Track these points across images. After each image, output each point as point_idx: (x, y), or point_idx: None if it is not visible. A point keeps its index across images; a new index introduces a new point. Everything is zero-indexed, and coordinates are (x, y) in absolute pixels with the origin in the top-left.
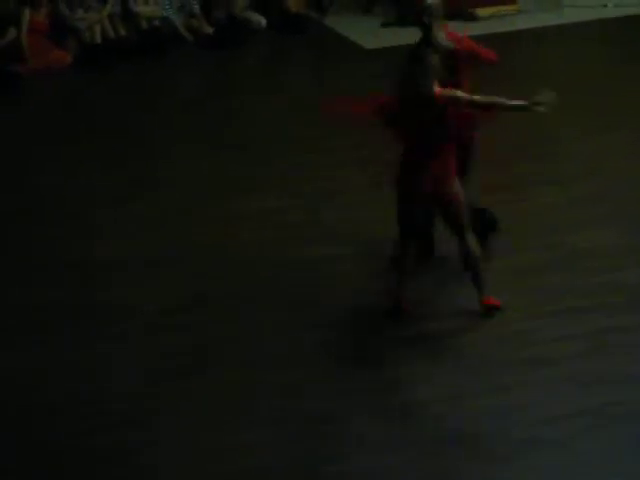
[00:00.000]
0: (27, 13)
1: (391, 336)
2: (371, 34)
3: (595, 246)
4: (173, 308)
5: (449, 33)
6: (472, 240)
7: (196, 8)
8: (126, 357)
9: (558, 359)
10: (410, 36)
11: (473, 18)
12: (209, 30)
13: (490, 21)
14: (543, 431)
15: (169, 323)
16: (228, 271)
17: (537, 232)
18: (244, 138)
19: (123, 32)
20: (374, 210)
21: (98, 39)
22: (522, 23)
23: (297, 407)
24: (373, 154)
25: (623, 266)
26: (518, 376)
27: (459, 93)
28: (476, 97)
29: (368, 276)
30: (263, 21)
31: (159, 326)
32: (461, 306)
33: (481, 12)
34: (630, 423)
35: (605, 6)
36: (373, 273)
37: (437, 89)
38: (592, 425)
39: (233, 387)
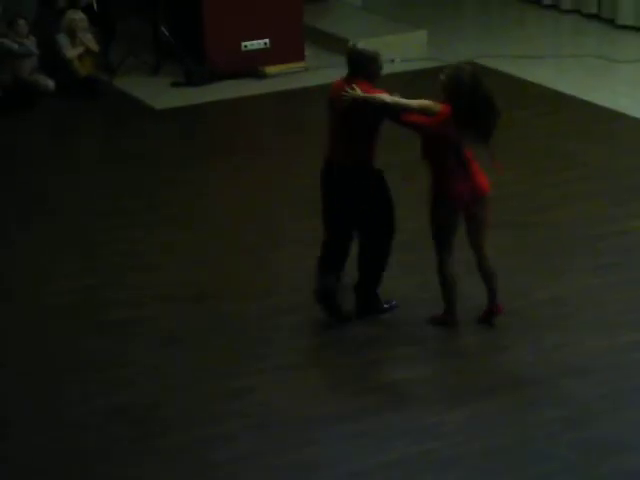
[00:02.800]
0: None
1: (198, 394)
2: (161, 94)
3: None
4: None
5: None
6: None
7: None
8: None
9: (356, 414)
10: (199, 95)
11: (261, 76)
12: None
13: (278, 78)
14: None
15: None
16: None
17: None
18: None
19: None
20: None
21: None
22: (311, 80)
23: None
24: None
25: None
26: (324, 431)
27: None
28: None
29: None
30: (51, 84)
31: None
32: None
33: (269, 70)
34: (445, 470)
35: (392, 61)
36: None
37: None
38: (402, 476)
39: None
